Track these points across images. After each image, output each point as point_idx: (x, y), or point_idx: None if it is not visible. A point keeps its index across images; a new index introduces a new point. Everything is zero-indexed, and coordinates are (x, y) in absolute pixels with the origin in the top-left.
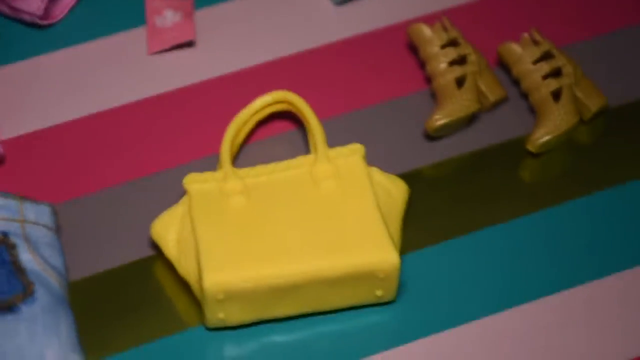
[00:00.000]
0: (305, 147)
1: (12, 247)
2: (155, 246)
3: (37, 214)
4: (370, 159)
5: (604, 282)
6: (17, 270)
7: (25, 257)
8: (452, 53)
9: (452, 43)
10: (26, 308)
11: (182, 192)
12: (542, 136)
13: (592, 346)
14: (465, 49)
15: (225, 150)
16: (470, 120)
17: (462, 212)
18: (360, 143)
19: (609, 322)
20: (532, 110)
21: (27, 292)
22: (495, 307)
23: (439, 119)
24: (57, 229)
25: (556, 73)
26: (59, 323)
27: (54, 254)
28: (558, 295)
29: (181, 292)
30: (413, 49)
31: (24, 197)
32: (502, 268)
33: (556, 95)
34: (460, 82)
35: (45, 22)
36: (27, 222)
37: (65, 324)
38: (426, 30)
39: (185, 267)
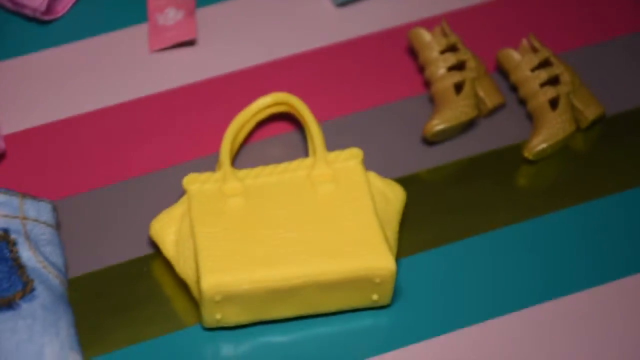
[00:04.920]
0: (304, 149)
1: (13, 244)
2: (154, 244)
3: (38, 211)
4: (368, 162)
5: (600, 290)
6: (18, 267)
7: (26, 254)
8: (451, 59)
9: (452, 48)
10: (26, 305)
11: (182, 191)
12: (538, 144)
13: (588, 354)
14: (464, 54)
15: (225, 151)
16: (467, 125)
17: (458, 218)
18: (358, 145)
19: (605, 330)
20: (530, 117)
21: (27, 289)
22: (490, 313)
23: (437, 125)
24: (58, 226)
25: (554, 81)
26: (59, 321)
27: (54, 251)
28: (553, 302)
29: (179, 291)
30: (413, 52)
31: (25, 194)
32: (498, 274)
33: (553, 103)
34: (458, 87)
35: (47, 18)
36: (27, 219)
37: (64, 322)
38: (426, 35)
39: (183, 268)
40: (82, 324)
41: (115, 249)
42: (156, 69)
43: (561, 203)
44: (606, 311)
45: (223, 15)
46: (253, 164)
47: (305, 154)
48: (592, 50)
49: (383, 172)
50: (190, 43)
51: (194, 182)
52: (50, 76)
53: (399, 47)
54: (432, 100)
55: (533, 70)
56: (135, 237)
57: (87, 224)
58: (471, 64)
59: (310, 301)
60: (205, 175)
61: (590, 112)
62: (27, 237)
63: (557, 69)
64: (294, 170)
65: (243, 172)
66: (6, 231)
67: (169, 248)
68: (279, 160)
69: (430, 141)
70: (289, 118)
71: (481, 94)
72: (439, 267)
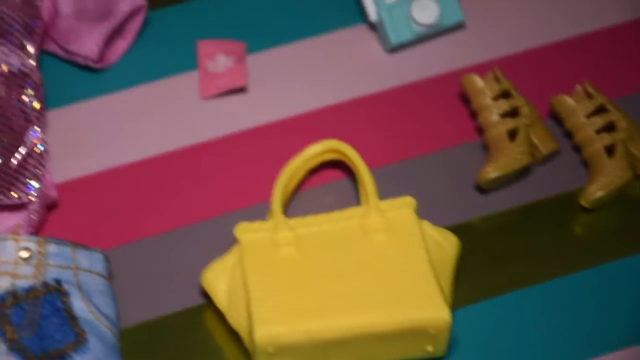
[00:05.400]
0: (355, 197)
1: (65, 294)
2: (205, 294)
3: (90, 261)
4: (420, 209)
5: None
6: (70, 318)
7: (78, 305)
8: (504, 105)
9: (504, 94)
10: (78, 357)
11: (233, 239)
12: (595, 191)
13: None
14: (518, 101)
15: (277, 199)
16: (522, 173)
17: (514, 267)
18: (410, 193)
19: None
20: (585, 164)
21: (79, 341)
22: None
23: (491, 172)
24: (110, 277)
25: (610, 127)
26: None
27: (107, 302)
28: (611, 355)
29: (231, 341)
30: (465, 98)
31: (77, 244)
32: (554, 325)
33: (609, 149)
34: (512, 134)
35: (99, 66)
36: (80, 269)
37: None
38: (478, 81)
39: (236, 318)
40: None
41: (167, 299)
42: (207, 116)
43: (619, 252)
44: None
45: (273, 61)
46: (305, 213)
47: (357, 202)
48: None
49: (436, 221)
50: (241, 90)
51: (245, 231)
52: (101, 124)
53: (451, 93)
54: (485, 146)
55: (588, 116)
56: (187, 287)
57: (138, 274)
58: (524, 110)
59: (364, 352)
60: (257, 224)
61: None
62: (80, 288)
63: (613, 115)
64: (346, 219)
65: (295, 221)
66: (59, 282)
67: (221, 298)
68: (330, 208)
69: (484, 189)
70: (340, 165)
71: (535, 140)
72: (494, 317)
